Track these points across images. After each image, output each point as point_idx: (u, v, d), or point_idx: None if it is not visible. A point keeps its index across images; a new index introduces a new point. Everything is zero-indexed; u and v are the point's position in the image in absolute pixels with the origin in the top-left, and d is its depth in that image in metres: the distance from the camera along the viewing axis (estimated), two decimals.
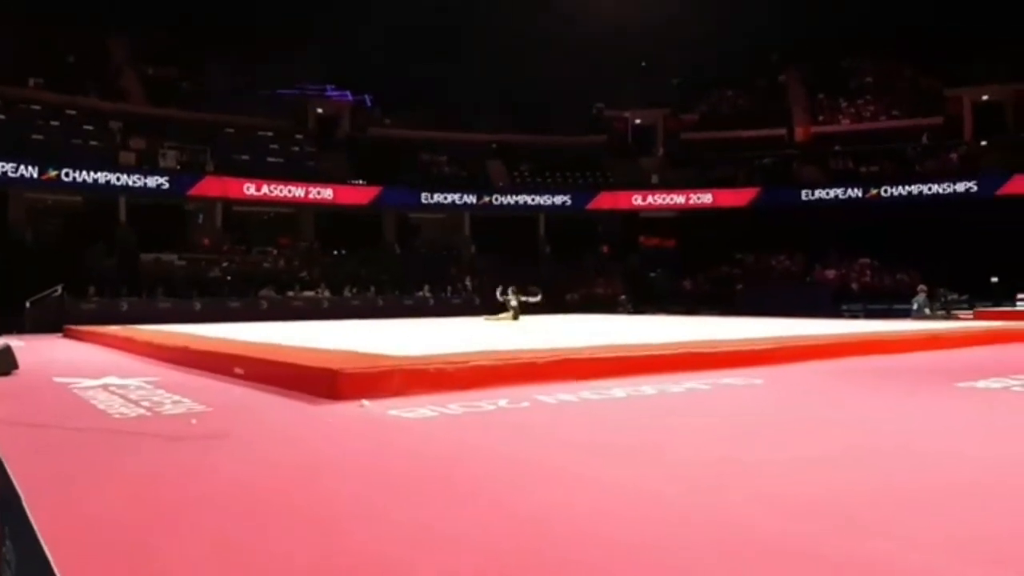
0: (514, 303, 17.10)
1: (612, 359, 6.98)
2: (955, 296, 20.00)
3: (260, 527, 2.69)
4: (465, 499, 3.08)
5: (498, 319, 17.04)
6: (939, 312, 18.25)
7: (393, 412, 5.15)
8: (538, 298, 17.56)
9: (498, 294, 17.73)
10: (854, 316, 22.94)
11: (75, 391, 6.63)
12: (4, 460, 3.48)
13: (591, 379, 6.54)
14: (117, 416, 5.17)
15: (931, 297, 18.62)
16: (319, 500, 3.10)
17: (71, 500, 3.02)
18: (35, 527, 2.50)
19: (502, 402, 5.47)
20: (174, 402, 5.79)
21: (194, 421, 4.84)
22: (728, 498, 3.02)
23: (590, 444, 4.15)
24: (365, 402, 5.48)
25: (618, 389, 6.07)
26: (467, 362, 6.27)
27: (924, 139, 33.55)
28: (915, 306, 17.85)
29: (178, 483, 3.37)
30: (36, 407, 5.90)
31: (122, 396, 6.16)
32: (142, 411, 5.37)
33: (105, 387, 6.80)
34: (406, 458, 3.93)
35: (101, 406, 5.66)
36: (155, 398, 6.03)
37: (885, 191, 31.51)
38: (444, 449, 4.13)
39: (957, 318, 17.08)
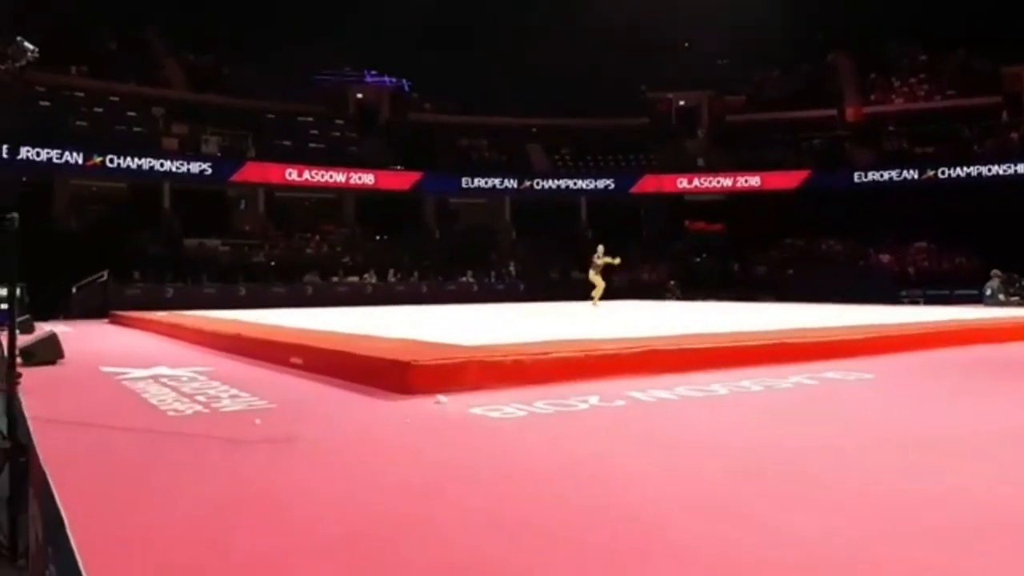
0: (599, 261, 17.74)
1: (700, 351, 6.44)
2: None
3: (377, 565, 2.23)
4: (599, 516, 2.66)
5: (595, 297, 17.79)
6: (1014, 298, 17.35)
7: (475, 410, 4.66)
8: (618, 260, 17.94)
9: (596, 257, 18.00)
10: (914, 302, 22.07)
11: (124, 383, 6.28)
12: (48, 471, 3.10)
13: (679, 372, 6.01)
14: (172, 414, 4.77)
15: (1006, 282, 17.72)
16: (441, 524, 2.62)
17: (123, 528, 2.55)
18: (80, 563, 2.12)
19: (593, 399, 4.95)
20: (231, 396, 5.37)
21: (258, 421, 4.38)
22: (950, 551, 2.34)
23: (716, 461, 3.51)
24: (441, 397, 5.01)
25: (717, 385, 5.52)
26: (547, 353, 5.76)
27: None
28: (988, 292, 16.99)
29: (253, 506, 2.83)
30: (84, 402, 5.52)
31: (174, 389, 5.80)
32: (198, 407, 4.96)
33: (156, 378, 6.45)
34: (510, 467, 3.46)
35: (153, 400, 5.28)
36: (210, 391, 5.64)
37: (942, 172, 30.35)
38: (546, 456, 3.64)
39: None
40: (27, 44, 4.02)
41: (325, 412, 4.98)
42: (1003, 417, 4.61)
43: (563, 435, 4.11)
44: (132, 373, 6.80)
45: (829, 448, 3.71)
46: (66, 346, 8.62)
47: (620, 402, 4.91)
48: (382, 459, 3.67)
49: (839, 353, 7.06)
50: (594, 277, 18.01)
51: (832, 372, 6.18)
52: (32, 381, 6.32)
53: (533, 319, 11.59)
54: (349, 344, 6.87)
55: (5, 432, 4.31)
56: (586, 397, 5.00)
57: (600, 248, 18.07)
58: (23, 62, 4.11)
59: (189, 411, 4.84)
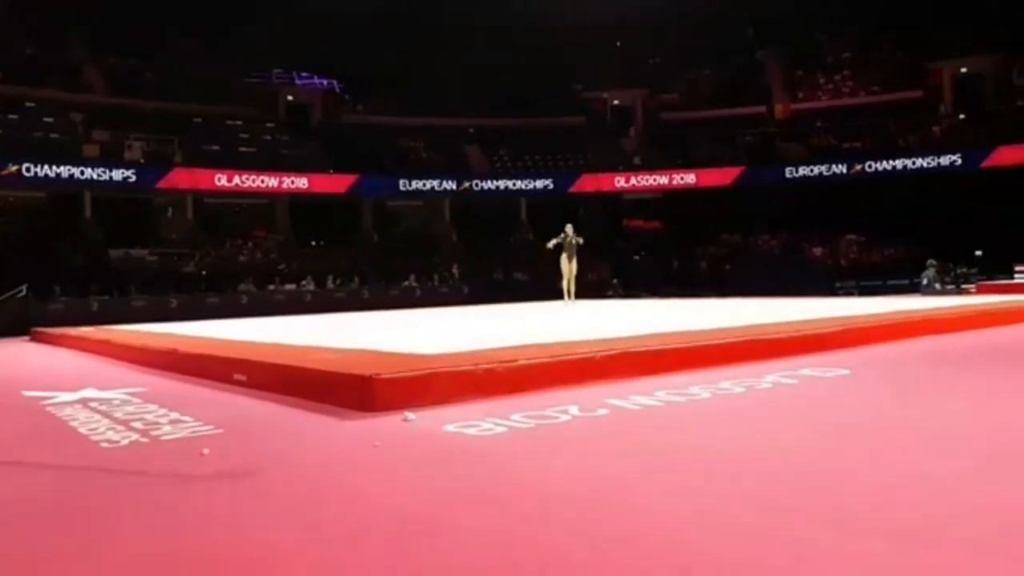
0: (573, 242, 15.26)
1: (675, 351, 6.22)
2: (965, 270, 19.57)
3: None
4: (602, 540, 2.38)
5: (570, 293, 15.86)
6: (949, 287, 17.80)
7: (449, 427, 4.29)
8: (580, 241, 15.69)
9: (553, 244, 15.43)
10: (849, 293, 22.55)
11: (49, 409, 5.73)
12: None
13: (655, 374, 5.79)
14: (105, 445, 4.27)
15: (941, 271, 18.17)
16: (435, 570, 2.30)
17: None
18: None
19: (572, 409, 4.65)
20: (172, 421, 4.89)
21: (206, 451, 3.91)
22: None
23: (714, 473, 3.26)
24: (409, 414, 4.62)
25: (697, 387, 5.30)
26: (516, 360, 5.44)
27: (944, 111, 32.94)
28: (925, 281, 17.39)
29: (205, 562, 2.42)
30: (2, 434, 5.00)
31: (106, 414, 5.28)
32: (135, 435, 4.48)
33: (85, 402, 5.91)
34: (500, 493, 3.10)
35: (83, 429, 4.76)
36: (148, 416, 5.14)
37: (869, 166, 31.16)
38: (537, 478, 3.30)
39: (968, 293, 16.67)
40: None
41: (281, 436, 4.53)
42: (999, 411, 4.50)
43: (550, 453, 3.80)
44: (58, 397, 6.24)
45: (828, 455, 3.51)
46: None
47: (602, 411, 4.63)
48: (354, 493, 3.26)
49: (811, 347, 6.98)
50: (572, 266, 15.52)
51: (808, 368, 6.04)
52: None
53: (485, 322, 11.27)
54: (299, 357, 6.43)
55: None
56: (565, 407, 4.70)
57: (569, 227, 15.41)
58: None
59: (125, 441, 4.36)
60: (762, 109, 36.07)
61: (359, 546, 2.56)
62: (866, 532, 2.44)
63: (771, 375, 5.77)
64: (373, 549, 2.52)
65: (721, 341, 6.67)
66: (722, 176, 32.69)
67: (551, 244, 15.43)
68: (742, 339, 6.84)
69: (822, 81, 36.65)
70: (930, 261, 17.90)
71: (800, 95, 36.54)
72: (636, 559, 2.31)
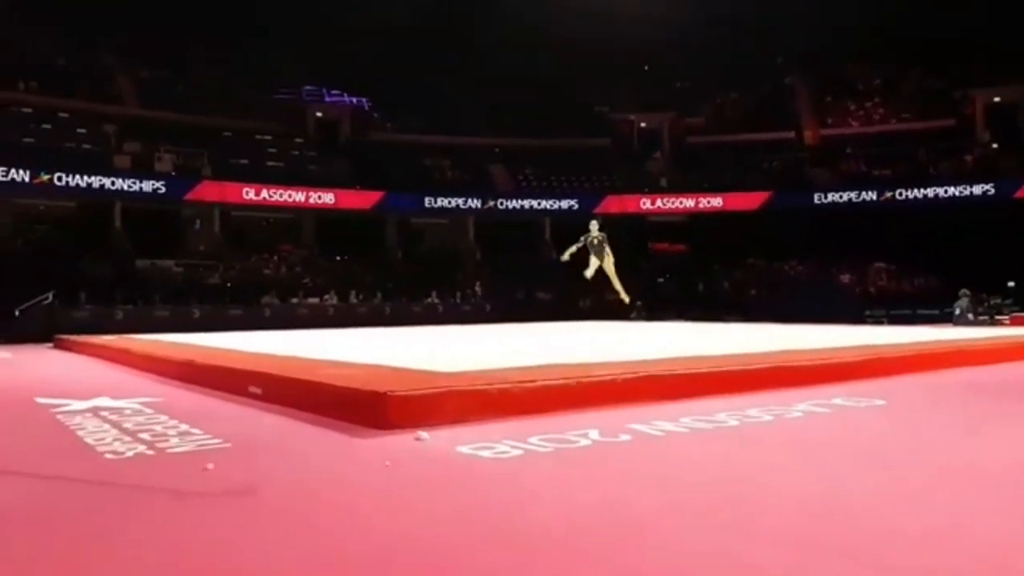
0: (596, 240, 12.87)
1: (701, 375, 5.99)
2: (999, 301, 19.10)
3: None
4: None
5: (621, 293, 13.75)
6: (983, 317, 17.38)
7: (463, 449, 4.11)
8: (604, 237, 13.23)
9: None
10: (879, 322, 22.09)
11: (59, 416, 5.64)
12: None
13: (679, 399, 5.57)
14: (109, 456, 4.15)
15: (974, 302, 17.75)
16: None
17: None
18: None
19: (593, 434, 4.44)
20: (180, 434, 4.77)
21: (210, 466, 3.79)
22: None
23: (744, 510, 3.02)
24: (422, 433, 4.47)
25: (724, 414, 5.08)
26: (534, 380, 5.25)
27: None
28: (958, 311, 16.97)
29: None
30: (5, 442, 4.90)
31: (115, 424, 5.18)
32: (141, 447, 4.36)
33: (95, 411, 5.81)
34: (516, 523, 2.90)
35: (89, 439, 4.66)
36: (157, 427, 5.03)
37: (900, 194, 30.73)
38: (555, 507, 3.10)
39: (1002, 324, 16.25)
40: None
41: (289, 453, 4.38)
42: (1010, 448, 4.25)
43: (569, 480, 3.60)
44: (70, 405, 6.15)
45: (864, 491, 3.29)
46: (2, 373, 7.95)
47: (625, 436, 4.42)
48: (362, 516, 3.08)
49: (843, 376, 6.71)
50: (606, 265, 13.08)
51: (840, 398, 5.79)
52: None
53: (506, 341, 11.08)
54: (314, 371, 6.29)
55: None
56: (585, 431, 4.49)
57: (594, 224, 13.17)
58: None
59: (130, 452, 4.23)
60: (790, 134, 35.80)
61: (357, 563, 2.40)
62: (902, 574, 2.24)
63: (802, 404, 5.52)
64: (370, 568, 2.35)
65: (749, 367, 6.44)
66: (749, 200, 32.39)
67: (569, 252, 13.32)
68: (771, 365, 6.60)
69: (852, 108, 36.32)
70: (963, 291, 17.48)
71: (830, 121, 36.21)
72: None
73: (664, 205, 33.53)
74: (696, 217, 33.34)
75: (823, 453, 4.14)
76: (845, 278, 29.53)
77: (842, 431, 4.80)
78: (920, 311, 22.63)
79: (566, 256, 13.47)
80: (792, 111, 36.67)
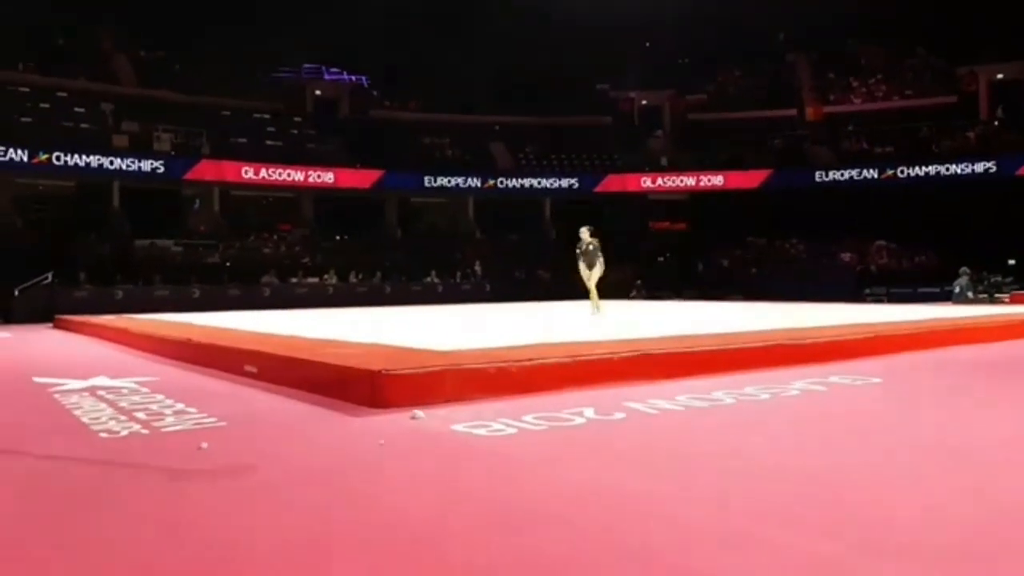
0: (590, 245, 12.31)
1: (698, 354, 5.99)
2: (999, 279, 19.05)
3: None
4: (616, 556, 2.21)
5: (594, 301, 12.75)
6: (982, 295, 17.34)
7: (458, 427, 4.11)
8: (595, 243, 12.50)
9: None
10: (878, 300, 22.08)
11: (56, 396, 5.65)
12: None
13: (676, 377, 5.57)
14: (103, 435, 4.16)
15: (974, 280, 17.71)
16: None
17: None
18: None
19: (588, 412, 4.44)
20: (176, 413, 4.78)
21: (205, 445, 3.78)
22: None
23: (739, 485, 3.03)
24: (418, 412, 4.47)
25: (720, 392, 5.08)
26: (531, 360, 5.24)
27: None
28: (957, 289, 16.95)
29: (191, 571, 2.25)
30: (2, 421, 4.91)
31: (111, 404, 5.19)
32: (136, 426, 4.37)
33: (92, 391, 5.83)
34: (510, 500, 2.89)
35: (85, 419, 4.67)
36: (153, 407, 5.04)
37: (901, 172, 30.59)
38: (548, 485, 3.09)
39: (1002, 302, 16.22)
40: None
41: (284, 432, 4.38)
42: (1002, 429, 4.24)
43: (563, 457, 3.60)
44: (67, 384, 6.17)
45: (858, 468, 3.29)
46: (1, 353, 7.95)
47: (619, 415, 4.42)
48: (357, 494, 3.07)
49: (840, 354, 6.71)
50: (595, 272, 12.42)
51: (837, 376, 5.79)
52: None
53: (505, 320, 11.09)
54: (310, 350, 6.29)
55: None
56: (580, 409, 4.49)
57: (585, 231, 12.54)
58: None
59: (124, 432, 4.24)
60: (792, 112, 35.57)
61: (348, 550, 2.40)
62: (898, 554, 2.24)
63: (799, 382, 5.53)
64: (362, 553, 2.36)
65: (746, 345, 6.43)
66: (750, 179, 32.27)
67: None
68: (769, 344, 6.59)
69: (854, 85, 36.06)
70: (963, 269, 17.43)
71: (831, 98, 35.98)
72: (610, 565, 2.12)
73: (665, 184, 33.41)
74: (697, 195, 33.23)
75: (818, 430, 4.15)
76: (845, 256, 29.47)
77: (837, 409, 4.80)
78: (920, 289, 22.58)
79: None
80: (794, 88, 36.44)
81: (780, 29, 36.88)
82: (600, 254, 12.36)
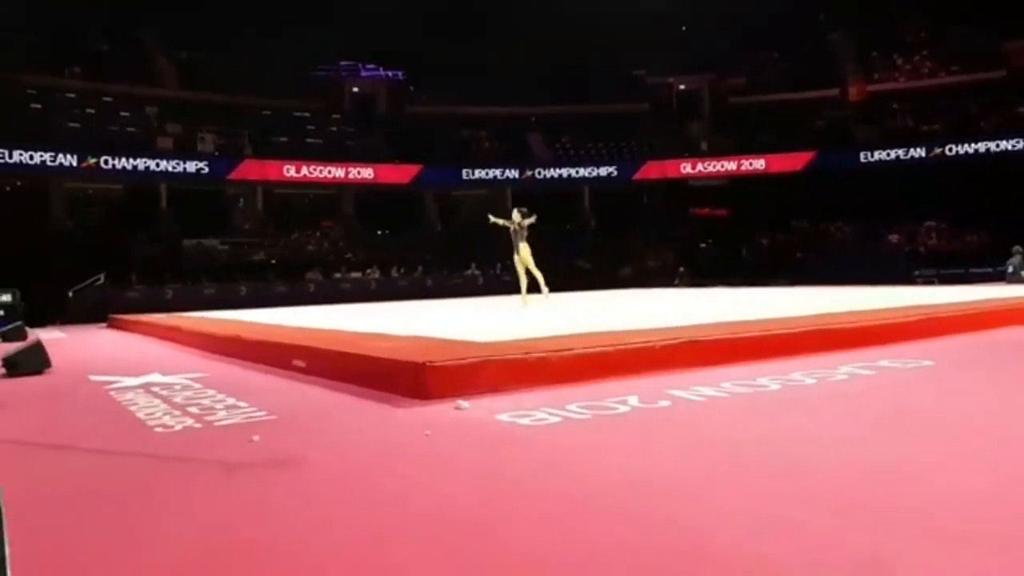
0: (523, 222, 12.31)
1: (740, 340, 5.91)
2: None
3: None
4: (668, 542, 2.22)
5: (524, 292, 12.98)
6: None
7: (502, 417, 4.13)
8: (533, 218, 12.58)
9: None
10: (929, 282, 21.59)
11: (112, 393, 5.82)
12: (2, 507, 2.66)
13: (719, 364, 5.52)
14: (159, 429, 4.29)
15: None
16: (493, 567, 2.15)
17: None
18: None
19: (632, 400, 4.42)
20: (228, 407, 4.90)
21: (256, 437, 3.89)
22: None
23: (789, 472, 2.99)
24: (462, 402, 4.52)
25: (765, 378, 5.02)
26: (571, 349, 5.25)
27: None
28: (1011, 269, 16.49)
29: (247, 559, 2.30)
30: (62, 418, 5.07)
31: (166, 399, 5.34)
32: (189, 421, 4.50)
33: (147, 387, 6.00)
34: (558, 487, 2.90)
35: (140, 414, 4.81)
36: (205, 401, 5.18)
37: (949, 149, 29.84)
38: (595, 472, 3.09)
39: None
40: None
41: (332, 424, 4.47)
42: None
43: (607, 445, 3.61)
44: (122, 382, 6.35)
45: (908, 454, 3.24)
46: (58, 353, 8.21)
47: (664, 403, 4.40)
48: (406, 484, 3.11)
49: (889, 338, 6.57)
50: (526, 255, 12.45)
51: (886, 360, 5.68)
52: (11, 395, 5.90)
53: (546, 311, 11.10)
54: (355, 344, 6.38)
55: None
56: (624, 397, 4.48)
57: (516, 212, 12.44)
58: None
59: (178, 426, 4.37)
60: (835, 92, 34.84)
61: (401, 538, 2.44)
62: (950, 539, 2.21)
63: (846, 366, 5.43)
64: (414, 542, 2.40)
65: (791, 330, 6.34)
66: (793, 161, 31.75)
67: (493, 220, 12.93)
68: (814, 328, 6.49)
69: (899, 62, 35.17)
70: (1016, 248, 16.93)
71: (876, 76, 35.15)
72: (697, 566, 2.13)
73: (705, 169, 33.05)
74: (738, 180, 32.81)
75: (867, 415, 4.08)
76: (894, 238, 28.85)
77: (886, 393, 4.71)
78: (972, 270, 22.03)
79: (492, 220, 13.01)
80: (836, 68, 35.67)
81: (821, 9, 36.13)
82: (523, 237, 12.29)
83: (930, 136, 30.87)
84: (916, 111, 32.40)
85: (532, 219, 12.48)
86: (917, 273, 23.93)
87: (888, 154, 30.68)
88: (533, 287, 12.99)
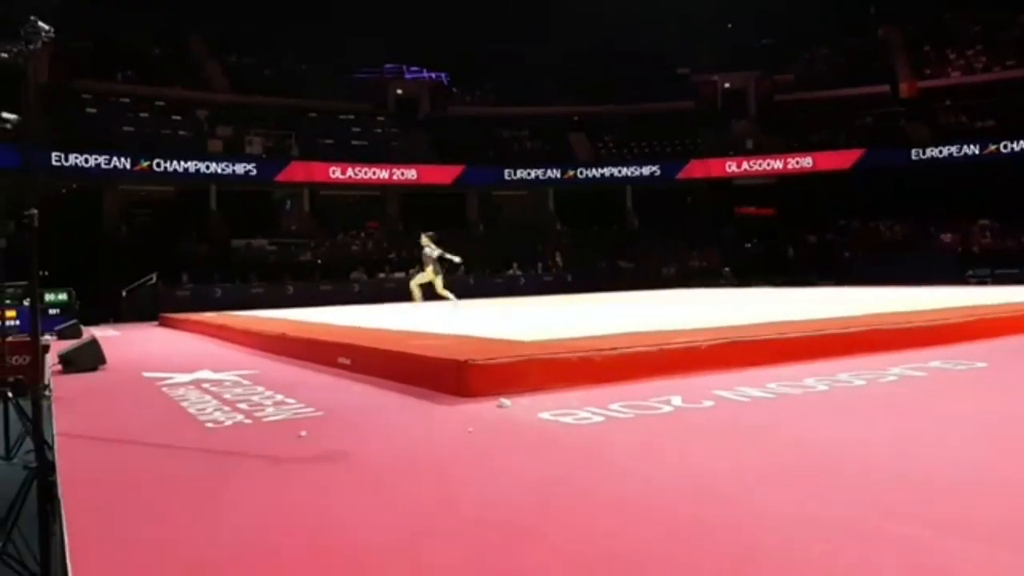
0: (433, 253, 12.86)
1: (787, 340, 5.86)
2: None
3: None
4: (718, 545, 2.22)
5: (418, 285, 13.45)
6: None
7: (545, 415, 4.16)
8: (459, 260, 13.34)
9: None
10: (983, 282, 21.05)
11: (164, 389, 5.99)
12: (62, 496, 2.76)
13: (765, 365, 5.47)
14: (210, 425, 4.42)
15: None
16: (542, 568, 2.14)
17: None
18: None
19: (675, 400, 4.42)
20: (276, 403, 5.01)
21: (304, 433, 3.98)
22: None
23: (837, 476, 2.96)
24: (504, 401, 4.56)
25: (812, 379, 4.97)
26: (614, 348, 5.26)
27: None
28: None
29: (296, 549, 2.36)
30: (118, 414, 5.23)
31: (216, 396, 5.48)
32: (239, 416, 4.62)
33: (198, 384, 6.16)
34: (602, 487, 2.91)
35: (192, 410, 4.95)
36: (254, 398, 5.30)
37: (1004, 147, 28.98)
38: (641, 472, 3.09)
39: None
40: (41, 24, 3.67)
41: (378, 421, 4.54)
42: None
43: (651, 445, 3.60)
44: (174, 378, 6.52)
45: (962, 457, 3.18)
46: (112, 350, 8.44)
47: (708, 403, 4.39)
48: (451, 481, 3.15)
49: (942, 339, 6.44)
50: (427, 276, 13.09)
51: (938, 361, 5.57)
52: (68, 390, 6.09)
53: (587, 310, 11.09)
54: (400, 343, 6.46)
55: (35, 448, 4.00)
56: (667, 397, 4.48)
57: (424, 237, 13.14)
58: (38, 44, 3.76)
59: (229, 422, 4.48)
60: (885, 88, 34.07)
61: (445, 536, 2.47)
62: (1007, 546, 2.16)
63: (896, 368, 5.34)
64: (458, 540, 2.43)
65: (839, 331, 6.25)
66: (841, 159, 31.16)
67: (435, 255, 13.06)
68: (863, 328, 6.38)
69: (952, 57, 34.28)
70: None
71: (927, 72, 34.31)
72: (748, 570, 2.11)
73: (751, 168, 32.60)
74: (784, 179, 32.31)
75: (917, 417, 4.01)
76: (946, 237, 28.16)
77: (938, 395, 4.62)
78: None
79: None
80: (886, 64, 34.91)
81: (871, 3, 35.42)
82: (432, 260, 12.84)
83: (984, 133, 30.04)
84: (969, 107, 31.55)
85: (451, 257, 13.07)
86: (970, 273, 23.36)
87: (940, 151, 29.94)
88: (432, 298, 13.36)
